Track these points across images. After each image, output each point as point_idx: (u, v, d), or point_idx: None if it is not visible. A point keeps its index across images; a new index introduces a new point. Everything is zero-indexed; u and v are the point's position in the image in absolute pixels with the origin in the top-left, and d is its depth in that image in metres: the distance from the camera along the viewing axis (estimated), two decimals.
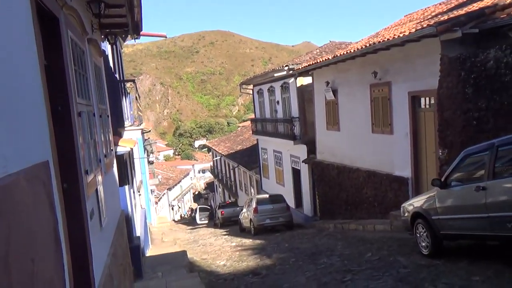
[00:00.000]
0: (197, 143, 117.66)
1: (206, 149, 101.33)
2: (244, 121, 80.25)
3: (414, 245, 6.53)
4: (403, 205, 6.91)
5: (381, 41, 9.89)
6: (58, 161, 3.24)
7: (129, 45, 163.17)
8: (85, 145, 3.83)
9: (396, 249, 6.65)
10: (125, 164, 8.53)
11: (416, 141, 9.91)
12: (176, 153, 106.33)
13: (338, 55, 11.98)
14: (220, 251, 11.92)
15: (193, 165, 78.13)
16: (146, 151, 20.23)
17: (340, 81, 13.18)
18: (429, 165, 9.59)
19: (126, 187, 8.21)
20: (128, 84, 8.28)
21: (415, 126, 9.88)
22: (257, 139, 23.73)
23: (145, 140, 17.74)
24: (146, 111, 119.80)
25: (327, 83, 13.68)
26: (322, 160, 14.89)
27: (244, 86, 23.44)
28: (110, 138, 6.20)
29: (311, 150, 16.11)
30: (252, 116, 56.08)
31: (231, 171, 30.92)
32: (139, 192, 15.83)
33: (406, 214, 6.52)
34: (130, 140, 7.36)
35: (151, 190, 27.48)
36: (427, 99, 9.59)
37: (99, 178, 4.46)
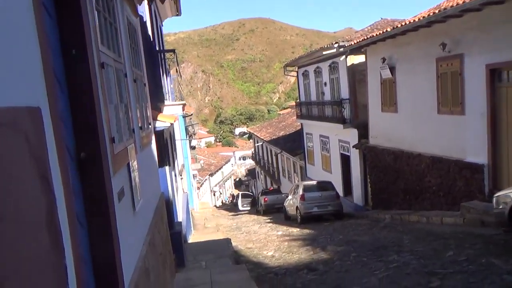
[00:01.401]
0: (237, 130, 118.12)
1: (247, 136, 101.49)
2: (284, 108, 78.97)
3: (506, 243, 5.35)
4: (496, 195, 5.71)
5: (453, 5, 8.51)
6: (72, 121, 2.44)
7: (171, 34, 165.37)
8: (111, 107, 3.02)
9: (482, 248, 5.49)
10: (166, 143, 7.83)
11: (495, 122, 8.50)
12: (217, 140, 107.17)
13: (399, 26, 10.64)
14: (266, 240, 11.11)
15: (233, 152, 78.16)
16: (188, 132, 19.72)
17: (398, 57, 11.82)
18: (511, 150, 8.20)
19: (167, 168, 7.52)
20: (168, 55, 7.57)
21: (493, 104, 8.47)
22: (301, 124, 22.63)
23: (186, 119, 17.19)
24: (188, 98, 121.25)
25: (383, 59, 12.35)
26: (375, 145, 13.63)
27: (288, 68, 22.32)
28: (148, 111, 5.44)
29: (363, 134, 14.86)
30: (293, 103, 54.89)
31: (274, 157, 30.06)
32: (181, 176, 15.31)
33: (501, 206, 5.34)
34: (170, 115, 6.65)
35: (193, 175, 27.22)
36: (511, 72, 8.16)
37: (132, 152, 3.67)
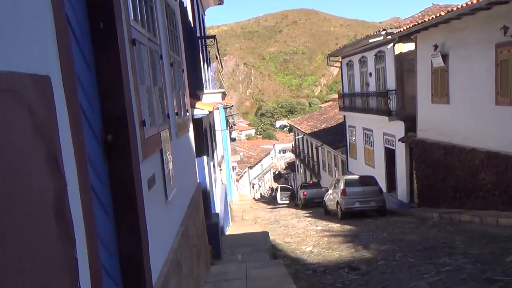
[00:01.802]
0: (278, 123, 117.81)
1: (287, 129, 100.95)
2: (326, 101, 77.69)
3: None
4: None
5: None
6: (98, 98, 2.25)
7: (215, 27, 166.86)
8: (143, 88, 2.82)
9: None
10: (204, 132, 7.68)
11: None
12: (258, 132, 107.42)
13: (454, 9, 9.85)
14: (305, 234, 10.79)
15: (274, 145, 77.97)
16: (228, 123, 19.66)
17: (452, 43, 11.00)
18: None
19: (205, 158, 7.37)
20: (208, 42, 7.37)
21: None
22: (344, 116, 21.96)
23: (226, 110, 17.09)
24: (230, 91, 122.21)
25: (435, 47, 11.55)
26: (424, 138, 12.87)
27: (331, 58, 21.66)
28: (185, 97, 5.27)
29: (410, 127, 14.09)
30: (335, 96, 53.70)
31: (314, 151, 29.50)
32: (220, 167, 15.27)
33: None
34: (209, 103, 6.47)
35: (233, 167, 27.28)
36: None
37: (166, 138, 3.48)
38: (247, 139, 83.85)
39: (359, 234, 9.29)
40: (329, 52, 21.66)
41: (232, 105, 17.16)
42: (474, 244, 6.30)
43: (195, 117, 6.02)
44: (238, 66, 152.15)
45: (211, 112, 6.48)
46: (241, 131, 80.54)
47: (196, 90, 6.94)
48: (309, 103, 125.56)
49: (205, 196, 7.19)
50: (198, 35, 7.77)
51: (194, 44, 6.94)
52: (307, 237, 10.29)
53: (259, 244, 8.35)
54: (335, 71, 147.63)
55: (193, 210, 4.79)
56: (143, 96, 2.75)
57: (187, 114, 5.29)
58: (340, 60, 21.53)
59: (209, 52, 7.93)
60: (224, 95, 7.64)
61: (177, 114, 4.29)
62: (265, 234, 9.51)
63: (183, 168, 4.54)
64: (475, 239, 6.65)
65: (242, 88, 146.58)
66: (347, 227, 11.13)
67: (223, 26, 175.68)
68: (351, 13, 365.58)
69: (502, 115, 9.14)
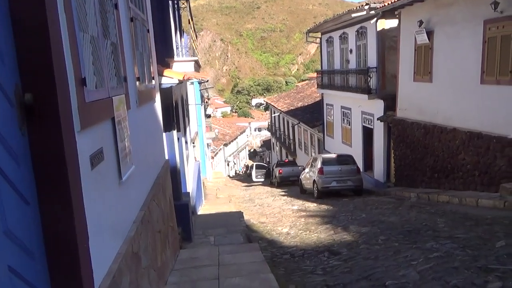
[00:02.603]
0: (254, 101, 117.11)
1: (263, 107, 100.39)
2: (303, 80, 77.38)
3: None
4: None
5: None
6: (14, 47, 1.63)
7: (191, 0, 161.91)
8: (85, 38, 2.18)
9: None
10: (175, 104, 7.03)
11: None
12: (234, 110, 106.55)
13: None
14: (281, 214, 10.41)
15: (249, 123, 77.50)
16: (202, 98, 18.88)
17: (438, 20, 10.58)
18: None
19: (175, 133, 6.74)
20: (181, 4, 6.62)
21: None
22: (322, 94, 21.53)
23: (201, 85, 16.31)
24: (206, 67, 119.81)
25: (420, 22, 11.12)
26: (404, 117, 12.59)
27: (311, 34, 21.02)
28: (151, 63, 4.61)
29: (389, 106, 13.80)
30: (312, 75, 53.25)
31: (291, 129, 29.13)
32: (193, 143, 14.62)
33: None
34: (179, 72, 5.81)
35: (207, 144, 26.61)
36: None
37: (121, 105, 2.86)
38: (223, 117, 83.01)
39: (337, 214, 8.95)
40: (309, 28, 20.98)
41: (208, 80, 16.38)
42: (458, 227, 6.02)
43: (163, 86, 5.37)
44: (215, 42, 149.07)
45: (181, 82, 5.83)
46: (216, 108, 79.42)
47: (165, 57, 6.24)
48: (285, 81, 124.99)
49: (175, 174, 6.61)
50: None
51: (164, 5, 6.20)
52: (283, 217, 9.91)
53: (233, 225, 7.89)
54: (312, 49, 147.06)
55: (158, 190, 4.22)
56: (84, 47, 2.12)
57: (153, 82, 4.64)
58: (320, 36, 20.93)
59: (181, 17, 7.18)
60: (197, 64, 6.97)
61: (138, 79, 3.65)
62: (239, 214, 9.05)
63: (145, 142, 3.94)
64: (458, 222, 6.38)
65: (219, 64, 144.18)
66: (324, 206, 10.82)
67: (199, 0, 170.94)
68: None
69: (487, 94, 8.86)
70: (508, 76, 8.20)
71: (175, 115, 7.37)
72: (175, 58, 6.43)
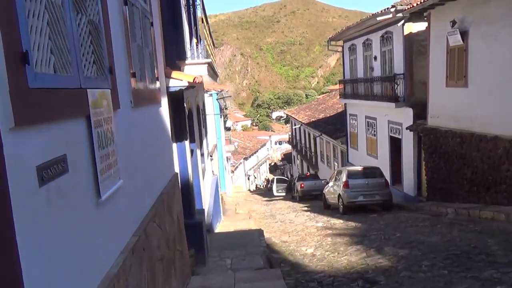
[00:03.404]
0: (274, 114, 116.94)
1: (284, 120, 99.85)
2: (323, 93, 76.59)
3: None
4: None
5: None
6: None
7: (212, 16, 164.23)
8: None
9: None
10: (189, 112, 6.42)
11: None
12: (254, 123, 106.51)
13: None
14: (304, 232, 9.60)
15: (270, 136, 76.91)
16: (221, 110, 18.35)
17: (473, 19, 9.74)
18: None
19: (187, 144, 6.11)
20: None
21: None
22: (345, 104, 20.71)
23: (219, 93, 15.78)
24: (226, 81, 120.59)
25: (453, 23, 10.28)
26: (436, 126, 11.66)
27: (333, 43, 20.34)
28: (156, 61, 4.00)
29: (419, 114, 12.88)
30: (332, 87, 52.42)
31: (312, 141, 28.30)
32: (211, 156, 14.02)
33: None
34: (189, 74, 5.20)
35: (227, 157, 26.03)
36: None
37: (103, 102, 2.23)
38: (243, 130, 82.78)
39: (367, 233, 8.10)
40: (330, 36, 20.32)
41: (228, 90, 15.90)
42: None
43: (172, 89, 4.77)
44: (235, 56, 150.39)
45: (193, 86, 5.22)
46: (237, 121, 79.31)
47: (176, 59, 5.67)
48: (306, 94, 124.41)
49: (187, 189, 5.96)
50: None
51: (175, 4, 5.66)
52: (307, 235, 9.11)
53: (252, 245, 7.15)
54: (332, 62, 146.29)
55: (161, 209, 3.56)
56: (26, 9, 1.48)
57: (157, 83, 4.03)
58: (342, 44, 20.23)
59: (197, 20, 6.63)
60: (211, 68, 6.37)
61: (134, 75, 3.03)
62: (259, 233, 8.31)
63: (145, 152, 3.29)
64: None
65: (239, 78, 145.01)
66: (351, 223, 9.95)
67: (220, 15, 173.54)
68: (350, 3, 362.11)
69: None
70: None
71: (188, 124, 6.76)
72: (188, 62, 5.86)
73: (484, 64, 9.49)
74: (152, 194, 3.41)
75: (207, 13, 9.07)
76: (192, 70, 5.72)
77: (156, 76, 4.01)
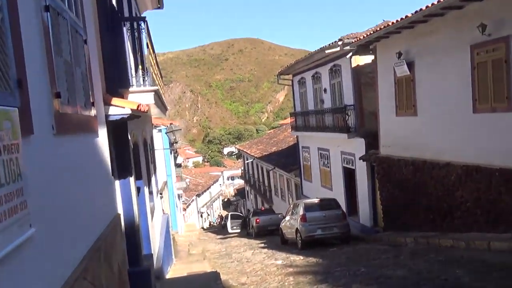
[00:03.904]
0: (226, 150, 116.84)
1: (235, 156, 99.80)
2: (273, 128, 77.93)
3: None
4: None
5: None
6: None
7: (160, 54, 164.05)
8: None
9: None
10: (134, 146, 5.77)
11: None
12: (205, 160, 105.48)
13: (420, 10, 8.88)
14: (264, 271, 8.97)
15: (222, 172, 76.15)
16: (169, 142, 17.60)
17: (418, 50, 10.06)
18: None
19: (132, 181, 5.44)
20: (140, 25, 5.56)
21: None
22: (297, 137, 20.73)
23: (168, 127, 15.11)
24: (176, 118, 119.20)
25: (399, 54, 10.58)
26: (388, 155, 11.74)
27: (282, 77, 20.55)
28: (91, 84, 3.42)
29: (371, 144, 12.99)
30: (282, 122, 53.14)
31: (265, 175, 28.00)
32: (161, 194, 13.16)
33: None
34: (131, 101, 4.63)
35: (178, 195, 24.97)
36: None
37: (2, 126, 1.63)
38: (195, 167, 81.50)
39: (330, 269, 7.65)
40: (280, 70, 20.56)
41: (177, 124, 15.30)
42: (486, 279, 4.87)
43: (112, 118, 4.17)
44: (185, 93, 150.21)
45: (136, 114, 4.63)
46: (188, 158, 77.94)
47: (119, 87, 5.10)
48: (256, 129, 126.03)
49: (132, 232, 5.23)
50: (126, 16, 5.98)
51: (116, 26, 5.15)
52: (267, 275, 8.49)
53: None
54: (281, 97, 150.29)
55: (95, 261, 2.89)
56: None
57: (92, 109, 3.44)
58: (291, 78, 20.48)
59: (142, 48, 6.13)
60: (158, 97, 5.82)
61: (58, 96, 2.44)
62: (215, 276, 7.58)
63: (73, 190, 2.66)
64: (483, 272, 5.25)
65: (189, 115, 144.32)
66: (312, 259, 9.48)
67: (168, 53, 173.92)
68: (295, 42, 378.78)
69: (482, 123, 8.11)
70: (505, 102, 7.49)
71: (133, 159, 6.10)
72: (131, 89, 5.30)
73: (431, 93, 9.73)
74: (83, 243, 2.75)
75: (155, 51, 8.61)
76: (138, 99, 5.17)
77: (92, 101, 3.43)
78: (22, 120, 1.85)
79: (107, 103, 4.14)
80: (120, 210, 5.03)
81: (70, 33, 2.95)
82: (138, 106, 4.37)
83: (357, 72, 13.59)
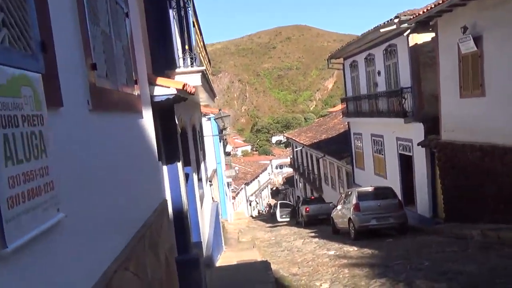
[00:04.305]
0: (274, 139, 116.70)
1: (283, 144, 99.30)
2: (322, 116, 76.62)
3: None
4: None
5: None
6: None
7: (209, 45, 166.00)
8: None
9: None
10: (182, 131, 5.59)
11: None
12: (254, 148, 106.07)
13: None
14: (316, 262, 8.60)
15: (270, 160, 76.10)
16: (218, 128, 17.54)
17: (487, 23, 9.07)
18: None
19: (180, 166, 5.25)
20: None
21: None
22: (348, 123, 19.95)
23: (217, 114, 15.01)
24: (225, 108, 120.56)
25: (464, 29, 9.62)
26: (451, 140, 10.83)
27: (333, 61, 19.77)
28: (131, 58, 3.20)
29: (430, 129, 12.08)
30: (331, 109, 51.86)
31: (315, 163, 27.40)
32: (210, 182, 13.12)
33: None
34: (178, 81, 4.41)
35: (228, 183, 25.08)
36: None
37: (11, 87, 1.38)
38: (243, 156, 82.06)
39: (388, 262, 7.12)
40: (330, 54, 19.77)
41: (227, 113, 15.18)
42: None
43: (157, 99, 3.96)
44: (233, 83, 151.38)
45: (183, 96, 4.40)
46: (236, 147, 78.64)
47: (165, 68, 4.90)
48: (304, 118, 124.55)
49: (180, 219, 5.06)
50: None
51: (161, 2, 4.93)
52: (319, 266, 8.11)
53: (259, 283, 6.18)
54: (330, 85, 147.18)
55: (139, 249, 2.67)
56: None
57: (135, 87, 3.22)
58: (342, 62, 19.65)
59: (190, 27, 5.90)
60: (205, 79, 5.57)
61: (94, 67, 2.21)
62: (266, 266, 7.32)
63: (114, 173, 2.44)
64: None
65: (237, 105, 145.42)
66: (367, 251, 8.96)
67: (216, 44, 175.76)
68: (344, 28, 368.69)
69: None
70: None
71: (182, 144, 5.92)
72: (180, 71, 5.09)
73: (502, 71, 8.75)
74: (125, 230, 2.53)
75: (204, 39, 8.38)
76: (184, 80, 4.93)
77: (134, 79, 3.20)
78: (48, 89, 1.61)
79: (152, 83, 3.93)
80: (168, 196, 4.86)
81: (109, 2, 2.72)
82: (184, 86, 4.12)
83: (415, 51, 12.64)
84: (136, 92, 3.20)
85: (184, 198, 5.31)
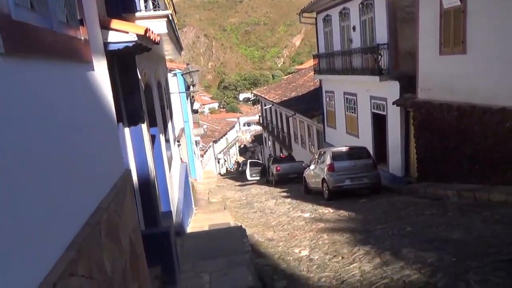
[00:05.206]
0: (241, 96, 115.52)
1: (251, 102, 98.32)
2: (289, 73, 75.74)
3: None
4: None
5: None
6: None
7: None
8: None
9: None
10: (140, 83, 4.83)
11: None
12: (221, 106, 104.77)
13: None
14: (291, 226, 8.30)
15: (238, 118, 75.54)
16: (186, 84, 16.60)
17: None
18: None
19: (144, 127, 4.55)
20: None
21: None
22: (320, 81, 19.43)
23: (184, 69, 14.03)
24: (191, 63, 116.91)
25: None
26: (428, 99, 10.55)
27: (304, 14, 18.84)
28: None
29: (407, 88, 11.77)
30: (299, 67, 51.07)
31: (284, 121, 27.04)
32: (178, 142, 12.41)
33: None
34: (138, 25, 3.63)
35: (196, 141, 24.37)
36: None
37: None
38: (211, 113, 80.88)
39: (368, 226, 6.87)
40: (302, 7, 18.81)
41: (195, 68, 14.21)
42: None
43: (113, 46, 3.20)
44: (199, 38, 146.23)
45: (145, 45, 3.65)
46: (204, 104, 77.14)
47: (122, 11, 4.07)
48: (272, 75, 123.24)
49: (147, 189, 4.44)
50: None
51: None
52: (296, 230, 7.81)
53: (234, 251, 5.76)
54: (297, 42, 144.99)
55: (92, 243, 2.05)
56: None
57: (81, 29, 2.45)
58: (315, 16, 18.79)
59: None
60: (171, 26, 4.76)
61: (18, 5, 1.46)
62: (241, 231, 6.91)
63: (45, 143, 1.76)
64: None
65: (204, 61, 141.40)
66: (343, 213, 8.74)
67: None
68: None
69: None
70: None
71: (145, 103, 5.18)
72: (140, 15, 4.26)
73: (486, 27, 8.35)
74: (70, 221, 1.89)
75: None
76: (145, 25, 4.13)
77: (79, 18, 2.44)
78: None
79: (106, 27, 3.15)
80: (132, 164, 4.20)
81: None
82: (146, 31, 3.36)
83: (393, 5, 12.05)
84: (82, 37, 2.45)
85: (151, 164, 4.66)
